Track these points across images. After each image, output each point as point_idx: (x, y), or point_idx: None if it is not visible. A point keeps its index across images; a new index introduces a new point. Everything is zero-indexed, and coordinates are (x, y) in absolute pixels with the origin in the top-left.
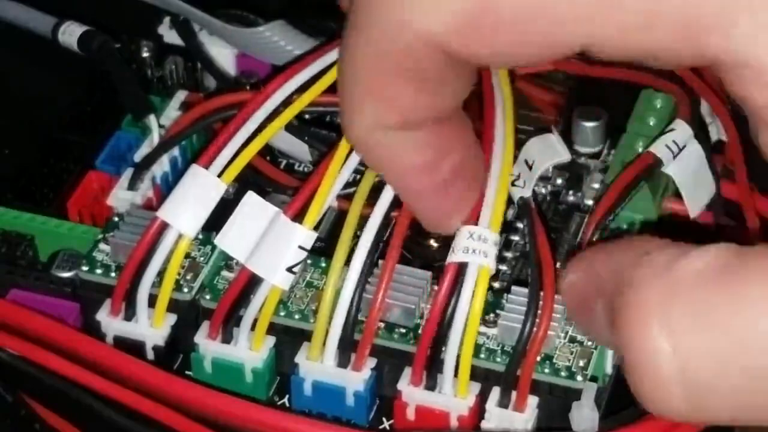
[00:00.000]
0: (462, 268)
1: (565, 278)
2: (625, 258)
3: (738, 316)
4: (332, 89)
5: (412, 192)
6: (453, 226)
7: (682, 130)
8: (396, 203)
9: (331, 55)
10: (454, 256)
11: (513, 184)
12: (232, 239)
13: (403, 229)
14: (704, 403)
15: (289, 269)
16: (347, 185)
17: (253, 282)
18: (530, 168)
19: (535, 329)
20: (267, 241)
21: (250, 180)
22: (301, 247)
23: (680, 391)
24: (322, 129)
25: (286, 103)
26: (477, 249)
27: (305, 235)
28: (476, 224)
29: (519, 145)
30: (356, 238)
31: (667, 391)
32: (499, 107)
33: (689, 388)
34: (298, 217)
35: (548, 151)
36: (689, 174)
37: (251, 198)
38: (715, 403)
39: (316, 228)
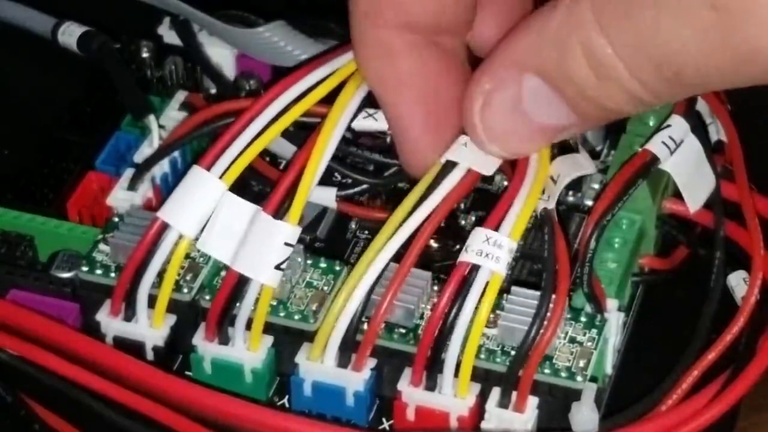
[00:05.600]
0: (472, 269)
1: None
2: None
3: None
4: (334, 94)
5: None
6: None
7: (678, 126)
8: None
9: (336, 63)
10: (467, 256)
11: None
12: (214, 242)
13: (427, 238)
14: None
15: (278, 267)
16: (345, 186)
17: (242, 281)
18: (555, 182)
19: (541, 332)
20: (250, 240)
21: (253, 183)
22: (287, 244)
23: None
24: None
25: (289, 106)
26: (491, 253)
27: (290, 231)
28: (496, 230)
29: None
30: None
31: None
32: None
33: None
34: (278, 212)
35: (573, 166)
36: (687, 170)
37: (228, 198)
38: None
39: (300, 223)
